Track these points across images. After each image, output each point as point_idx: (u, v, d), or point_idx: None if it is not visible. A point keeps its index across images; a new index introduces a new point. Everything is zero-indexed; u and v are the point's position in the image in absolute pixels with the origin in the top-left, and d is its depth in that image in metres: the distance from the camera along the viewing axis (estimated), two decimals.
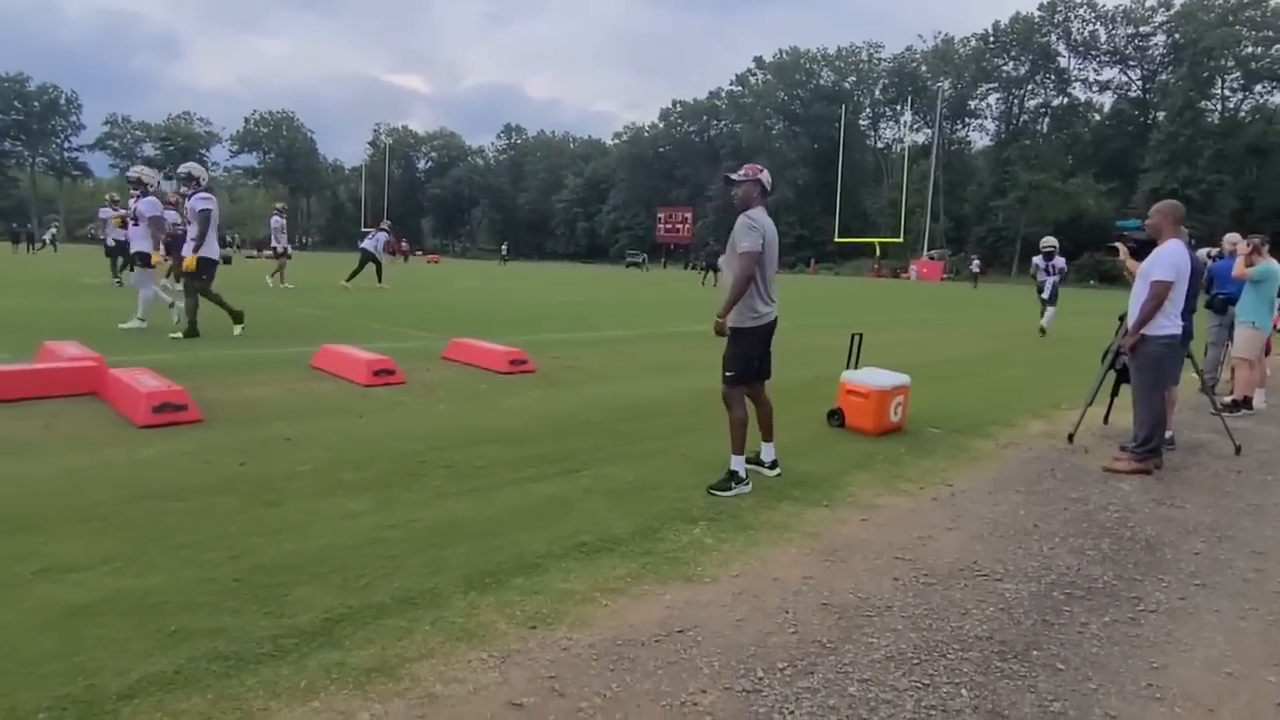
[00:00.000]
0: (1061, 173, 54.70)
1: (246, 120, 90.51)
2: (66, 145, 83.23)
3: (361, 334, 10.55)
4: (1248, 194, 49.41)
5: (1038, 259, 15.28)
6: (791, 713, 2.39)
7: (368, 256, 19.14)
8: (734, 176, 4.47)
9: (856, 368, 6.29)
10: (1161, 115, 54.41)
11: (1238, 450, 5.94)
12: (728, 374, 4.44)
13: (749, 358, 4.46)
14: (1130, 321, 5.32)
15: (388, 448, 5.00)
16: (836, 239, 57.34)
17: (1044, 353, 12.29)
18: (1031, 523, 4.22)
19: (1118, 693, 2.57)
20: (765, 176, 4.47)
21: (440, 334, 10.24)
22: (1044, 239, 15.60)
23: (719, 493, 4.34)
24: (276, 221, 18.89)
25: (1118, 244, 5.89)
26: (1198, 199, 47.81)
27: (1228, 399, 7.74)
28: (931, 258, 53.04)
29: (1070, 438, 6.09)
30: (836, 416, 6.11)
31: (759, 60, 76.05)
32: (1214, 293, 8.45)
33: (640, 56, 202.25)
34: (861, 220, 63.41)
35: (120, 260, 15.82)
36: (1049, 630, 2.98)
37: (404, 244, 63.47)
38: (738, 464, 4.44)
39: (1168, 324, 5.15)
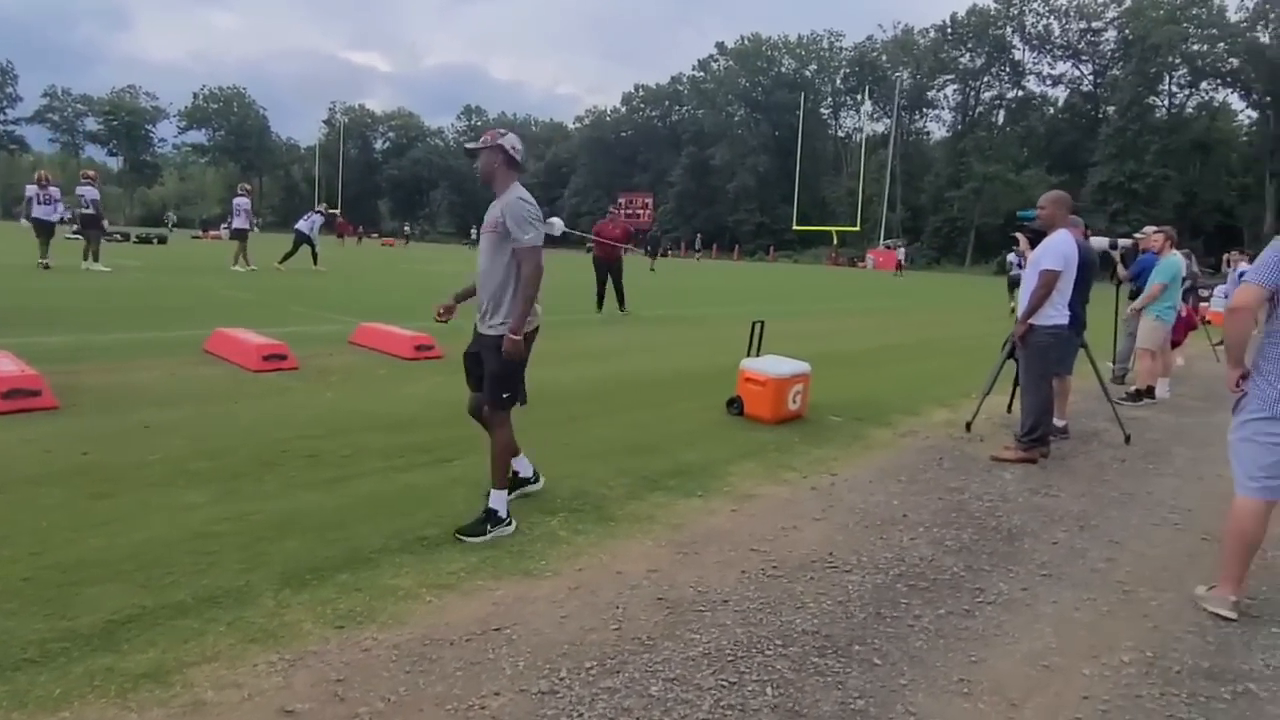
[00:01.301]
0: (1015, 165, 55.42)
1: (195, 96, 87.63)
2: (1, 118, 79.89)
3: (280, 317, 10.26)
4: (1191, 189, 50.46)
5: (1011, 255, 17.22)
6: (582, 716, 2.29)
7: (302, 238, 18.67)
8: (471, 145, 3.62)
9: (758, 355, 6.22)
10: (1111, 110, 55.30)
11: (1127, 439, 5.99)
12: (505, 395, 3.58)
13: (522, 374, 3.67)
14: (1020, 311, 5.31)
15: (255, 436, 4.80)
16: (794, 227, 57.54)
17: (973, 343, 12.39)
18: (901, 513, 4.18)
19: (927, 688, 2.51)
20: (510, 141, 3.55)
21: (361, 318, 9.97)
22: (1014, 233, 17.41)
23: (469, 538, 3.47)
24: (241, 202, 18.31)
25: (1018, 234, 5.89)
26: (1143, 192, 48.82)
27: (1132, 389, 7.84)
28: (888, 246, 53.47)
29: (968, 426, 6.09)
30: (736, 404, 6.04)
31: (721, 46, 75.68)
32: (1141, 285, 8.52)
33: (606, 39, 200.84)
34: (821, 209, 63.61)
35: (48, 240, 15.23)
36: (879, 624, 2.93)
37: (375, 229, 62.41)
38: (499, 500, 3.61)
39: (1055, 314, 5.14)
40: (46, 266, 14.80)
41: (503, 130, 3.62)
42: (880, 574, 3.38)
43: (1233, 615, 3.07)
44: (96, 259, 15.82)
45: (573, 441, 5.13)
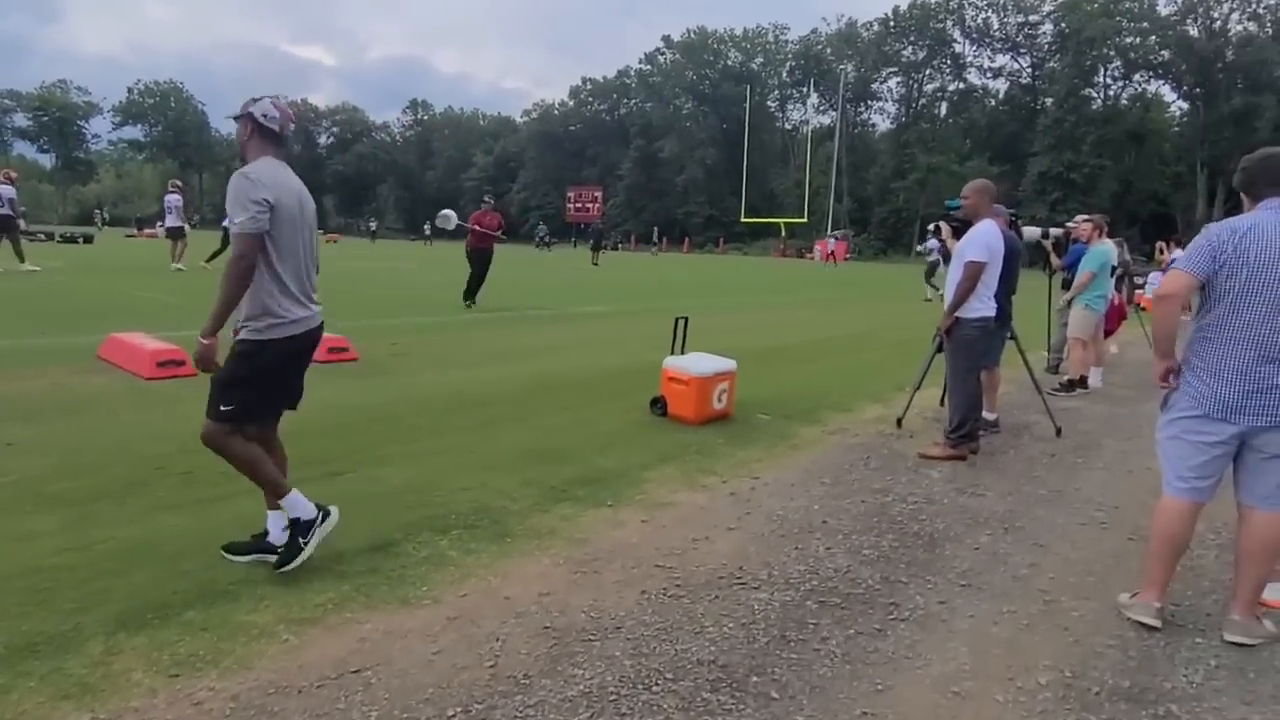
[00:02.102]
0: (958, 156, 56.30)
1: (130, 90, 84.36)
2: None
3: (195, 320, 9.69)
4: (1127, 178, 51.88)
5: (930, 242, 17.80)
6: None
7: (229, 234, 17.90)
8: (233, 115, 3.11)
9: (682, 353, 5.97)
10: (1049, 101, 56.52)
11: (1058, 432, 5.90)
12: (222, 408, 2.95)
13: (261, 387, 3.03)
14: (946, 303, 5.16)
15: (129, 452, 4.40)
16: (743, 219, 57.74)
17: (912, 334, 12.35)
18: (821, 519, 3.98)
19: None
20: (261, 108, 2.99)
21: None
22: (934, 224, 18.26)
23: (289, 565, 3.01)
24: (173, 200, 17.60)
25: (940, 223, 5.74)
26: (1081, 182, 50.06)
27: (1065, 379, 7.80)
28: (835, 238, 53.94)
29: (899, 422, 5.95)
30: (659, 405, 5.79)
31: (667, 39, 75.60)
32: (1070, 274, 8.49)
33: (552, 32, 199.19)
34: (769, 201, 63.95)
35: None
36: (783, 649, 2.69)
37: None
38: (293, 505, 3.06)
39: (980, 306, 4.99)
40: None
41: (260, 96, 3.08)
42: (791, 590, 3.15)
43: (1156, 624, 2.91)
44: (22, 260, 15.06)
45: (481, 449, 4.83)
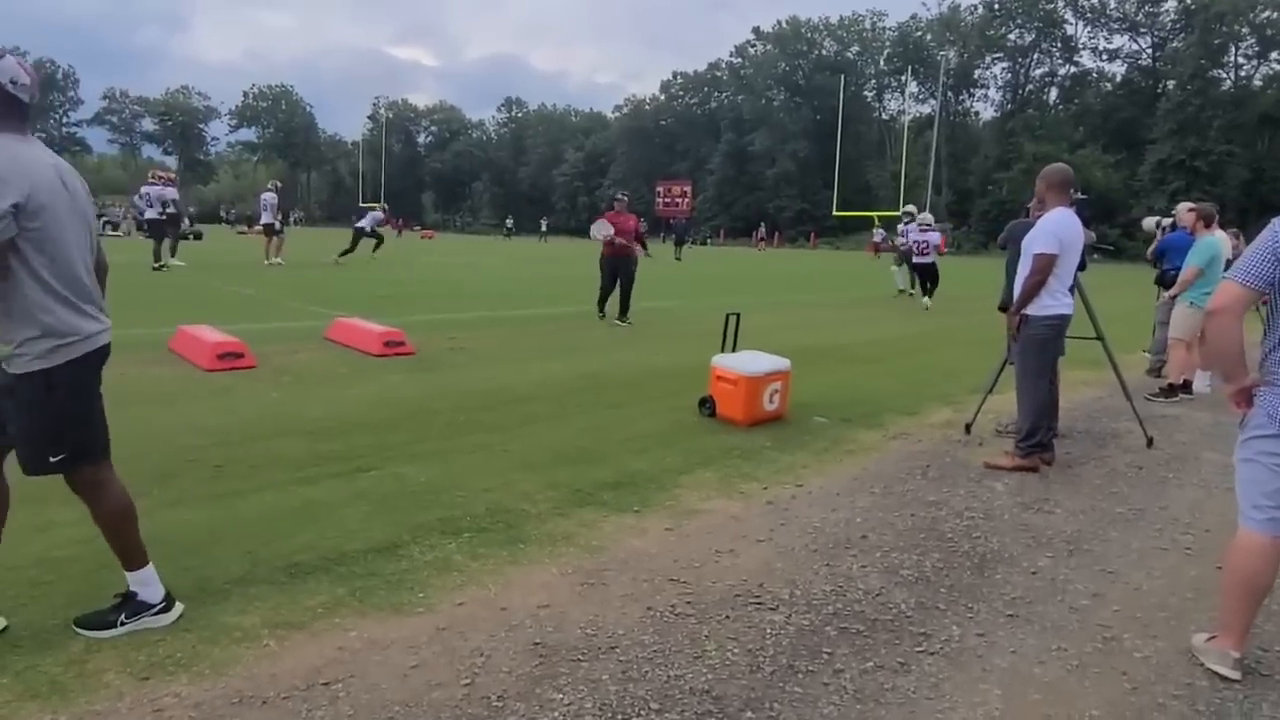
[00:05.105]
0: (1069, 144, 53.12)
1: (245, 94, 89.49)
2: (65, 120, 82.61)
3: (271, 312, 10.08)
4: (1259, 164, 47.75)
5: (900, 226, 17.00)
6: None
7: (360, 234, 19.89)
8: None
9: (734, 351, 5.70)
10: (1171, 84, 52.65)
11: (1150, 442, 5.34)
12: (56, 458, 2.42)
13: (82, 416, 2.48)
14: (1014, 300, 4.71)
15: (169, 443, 4.48)
16: (834, 213, 56.21)
17: (993, 332, 11.61)
18: (861, 533, 3.66)
19: None
20: (11, 71, 2.26)
21: (354, 313, 9.69)
22: (908, 206, 18.11)
23: (91, 631, 2.52)
24: (268, 199, 18.92)
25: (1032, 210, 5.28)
26: (1206, 170, 46.45)
27: (1165, 384, 7.11)
28: (882, 231, 51.73)
29: (967, 428, 5.52)
30: (707, 405, 5.54)
31: (758, 31, 74.24)
32: (1165, 268, 7.80)
33: (645, 25, 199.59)
34: (864, 193, 61.94)
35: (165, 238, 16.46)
36: (788, 680, 2.43)
37: (406, 223, 61.55)
38: (141, 581, 2.61)
39: (1053, 303, 4.54)
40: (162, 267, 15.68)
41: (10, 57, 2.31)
42: (811, 613, 2.88)
43: (1234, 675, 2.50)
44: (158, 259, 16.08)
45: (514, 448, 4.70)
